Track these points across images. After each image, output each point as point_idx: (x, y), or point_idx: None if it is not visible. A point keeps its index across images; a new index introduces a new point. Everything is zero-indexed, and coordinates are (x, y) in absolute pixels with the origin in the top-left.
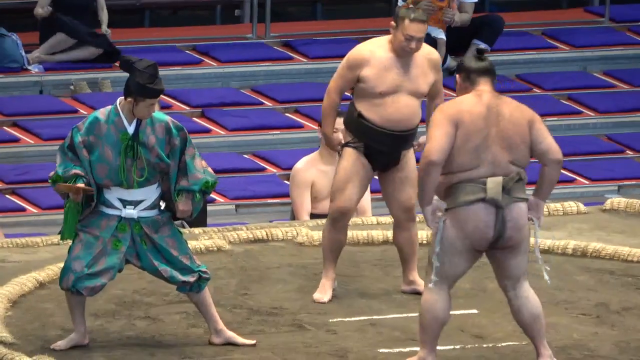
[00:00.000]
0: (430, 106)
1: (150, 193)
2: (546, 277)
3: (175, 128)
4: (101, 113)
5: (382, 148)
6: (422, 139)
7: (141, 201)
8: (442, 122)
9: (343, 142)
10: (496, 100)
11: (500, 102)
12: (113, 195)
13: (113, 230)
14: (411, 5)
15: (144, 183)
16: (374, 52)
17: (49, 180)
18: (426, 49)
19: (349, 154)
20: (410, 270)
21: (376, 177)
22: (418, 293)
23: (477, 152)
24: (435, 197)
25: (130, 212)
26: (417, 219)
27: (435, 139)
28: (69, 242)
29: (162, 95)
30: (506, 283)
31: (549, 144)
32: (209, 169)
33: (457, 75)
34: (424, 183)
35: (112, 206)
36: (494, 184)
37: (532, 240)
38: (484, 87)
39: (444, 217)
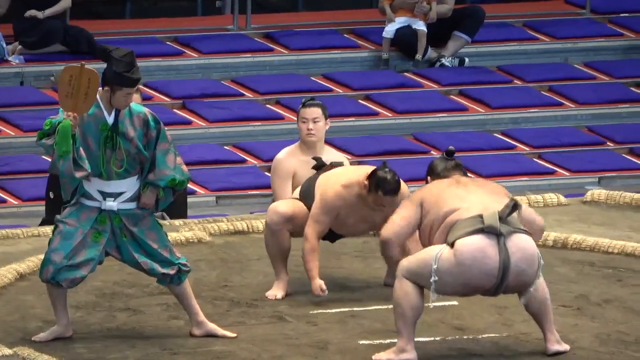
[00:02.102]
0: None
1: (130, 185)
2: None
3: (153, 120)
4: None
5: (336, 237)
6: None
7: (121, 193)
8: (405, 205)
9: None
10: (466, 177)
11: (474, 179)
12: (93, 187)
13: (93, 222)
14: (386, 170)
15: (123, 174)
16: (345, 199)
17: (37, 136)
18: None
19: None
20: (396, 263)
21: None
22: None
23: (459, 197)
24: None
25: (111, 204)
26: None
27: (394, 222)
28: (51, 233)
29: (143, 87)
30: None
31: (531, 214)
32: (183, 167)
33: (429, 177)
34: (385, 257)
35: (92, 198)
36: (490, 214)
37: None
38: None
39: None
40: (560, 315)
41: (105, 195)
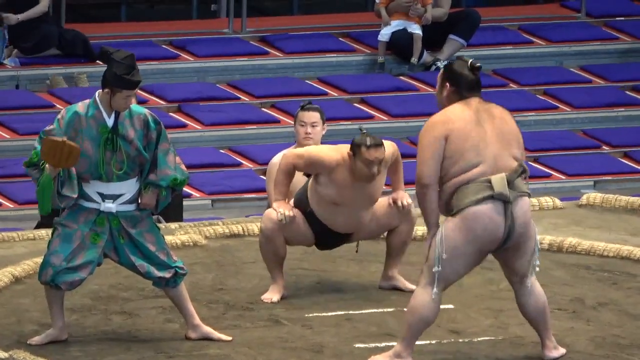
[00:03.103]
0: (392, 180)
1: (129, 187)
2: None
3: (153, 121)
4: (80, 107)
5: (329, 239)
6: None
7: (120, 195)
8: (429, 144)
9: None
10: (484, 104)
11: (488, 106)
12: (92, 188)
13: (91, 224)
14: (363, 133)
15: (123, 176)
16: (336, 170)
17: (24, 163)
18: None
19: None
20: (393, 267)
21: None
22: (396, 288)
23: (476, 151)
24: None
25: (109, 205)
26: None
27: (424, 163)
28: (47, 236)
29: (138, 90)
30: (513, 278)
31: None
32: (182, 166)
33: (446, 84)
34: (422, 205)
35: (90, 200)
36: (498, 179)
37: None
38: (472, 99)
39: (444, 222)
40: (555, 318)
41: (104, 197)
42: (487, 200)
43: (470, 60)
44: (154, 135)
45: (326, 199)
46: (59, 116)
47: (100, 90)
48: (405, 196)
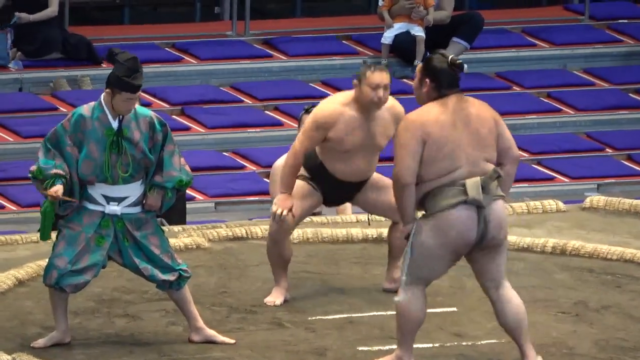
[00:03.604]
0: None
1: (134, 189)
2: None
3: (159, 123)
4: (85, 109)
5: (334, 193)
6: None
7: (125, 198)
8: (408, 141)
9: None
10: (461, 103)
11: (465, 105)
12: (97, 191)
13: (96, 227)
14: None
15: (128, 179)
16: (343, 112)
17: (30, 175)
18: (390, 102)
19: (301, 184)
20: (397, 267)
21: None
22: None
23: (452, 157)
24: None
25: (114, 208)
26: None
27: (402, 160)
28: (49, 241)
29: (141, 93)
30: (488, 285)
31: (509, 139)
32: (187, 167)
33: (426, 80)
34: (400, 204)
35: (95, 202)
36: (472, 184)
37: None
38: (450, 97)
39: (418, 222)
40: (559, 321)
41: (108, 199)
42: (461, 204)
43: (451, 56)
44: (160, 137)
45: (336, 149)
46: (64, 120)
47: (105, 92)
48: None
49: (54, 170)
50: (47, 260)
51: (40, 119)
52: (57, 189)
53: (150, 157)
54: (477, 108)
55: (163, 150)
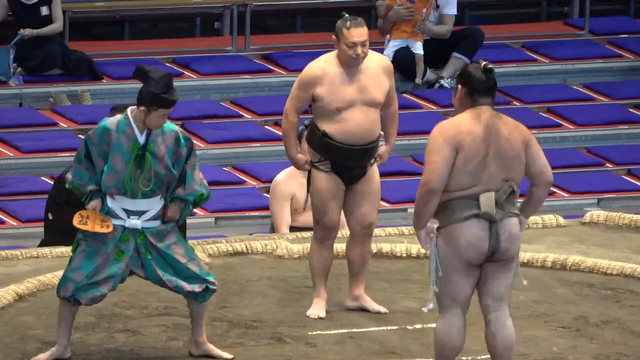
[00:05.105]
0: (385, 113)
1: (154, 204)
2: (523, 281)
3: (184, 138)
4: (110, 123)
5: (348, 163)
6: (381, 149)
7: (145, 211)
8: (442, 147)
9: (310, 160)
10: (495, 119)
11: (498, 122)
12: (117, 205)
13: (116, 241)
14: (345, 15)
15: (149, 193)
16: (325, 69)
17: (68, 185)
18: (377, 57)
19: (320, 176)
20: (358, 285)
21: None
22: (363, 309)
23: (475, 173)
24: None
25: (135, 222)
26: (374, 235)
27: (435, 165)
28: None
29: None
30: (489, 303)
31: (544, 165)
32: (205, 182)
33: (459, 86)
34: (422, 209)
35: (116, 216)
36: (486, 198)
37: None
38: (484, 105)
39: (435, 237)
40: (559, 336)
41: (129, 213)
42: (473, 218)
43: (484, 62)
44: (184, 152)
45: (329, 108)
46: (91, 132)
47: (133, 107)
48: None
49: (90, 188)
50: (57, 273)
51: (40, 134)
52: (96, 205)
53: (173, 173)
54: (510, 129)
55: (187, 164)
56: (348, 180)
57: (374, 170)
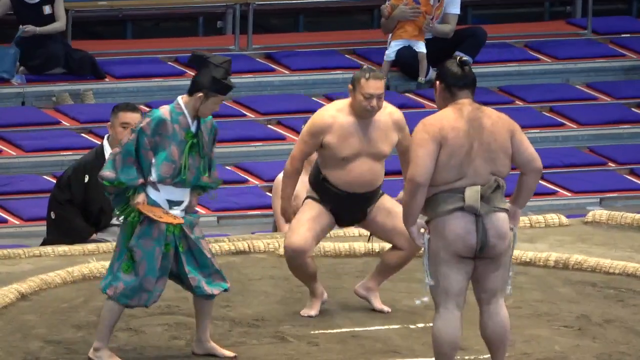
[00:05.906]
0: (402, 162)
1: (188, 194)
2: (509, 290)
3: (215, 127)
4: (164, 112)
5: (346, 209)
6: (400, 195)
7: (182, 201)
8: (426, 142)
9: (306, 195)
10: (477, 112)
11: (481, 115)
12: (161, 196)
13: (164, 237)
14: (366, 67)
15: (194, 181)
16: (336, 117)
17: (106, 182)
18: (388, 109)
19: (308, 201)
20: (377, 280)
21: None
22: (367, 302)
23: (460, 167)
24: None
25: (177, 213)
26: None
27: (420, 160)
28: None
29: (144, 107)
30: (482, 296)
31: (531, 153)
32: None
33: (437, 82)
34: (410, 205)
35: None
36: (472, 192)
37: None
38: (465, 99)
39: (427, 232)
40: (561, 335)
41: (172, 204)
42: (457, 211)
43: (459, 56)
44: (214, 140)
45: (335, 156)
46: (143, 124)
47: (184, 95)
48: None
49: (140, 181)
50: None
51: (42, 133)
52: (144, 198)
53: (210, 161)
54: (493, 120)
55: (212, 151)
56: (346, 223)
57: (384, 198)
